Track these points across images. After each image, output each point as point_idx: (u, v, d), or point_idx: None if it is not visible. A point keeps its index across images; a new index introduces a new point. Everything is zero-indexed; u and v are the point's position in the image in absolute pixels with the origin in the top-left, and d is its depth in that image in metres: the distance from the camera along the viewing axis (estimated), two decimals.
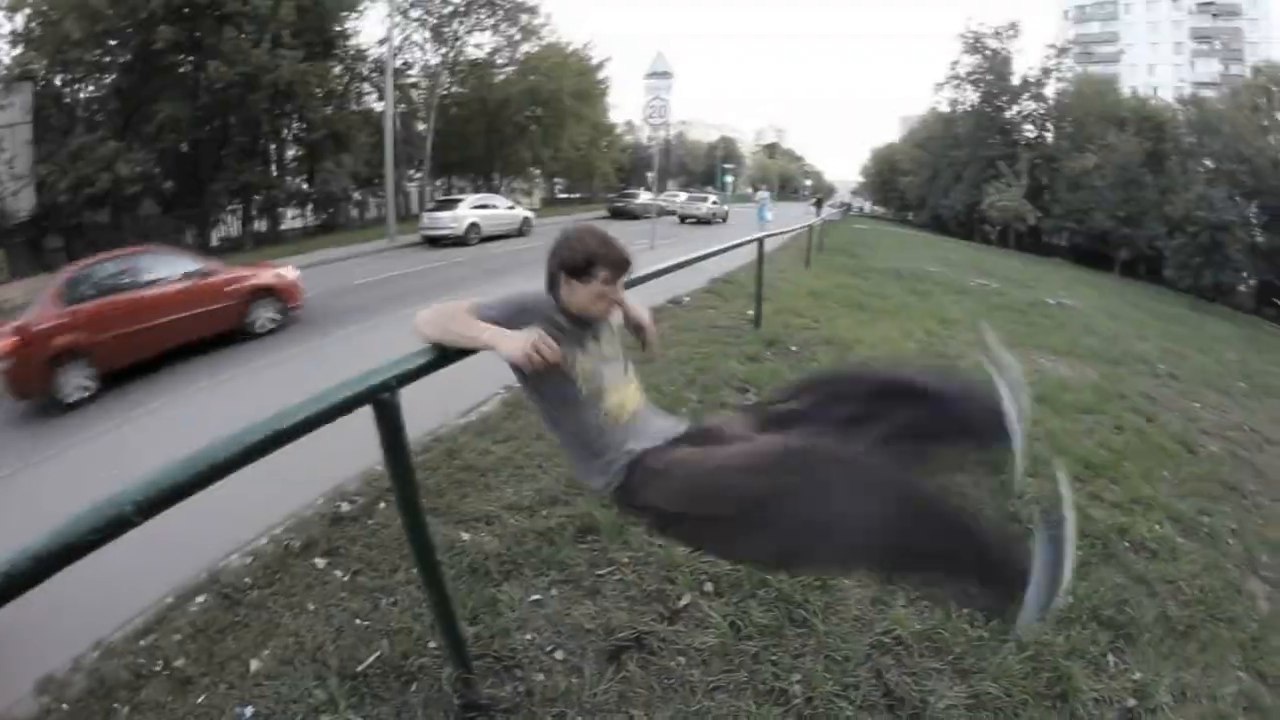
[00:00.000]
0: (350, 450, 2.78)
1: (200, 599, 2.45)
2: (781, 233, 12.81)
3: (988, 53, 35.46)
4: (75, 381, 5.92)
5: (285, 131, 22.47)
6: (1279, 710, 2.23)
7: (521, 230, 18.68)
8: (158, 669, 2.09)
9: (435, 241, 16.41)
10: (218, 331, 7.22)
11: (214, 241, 20.59)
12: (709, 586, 2.33)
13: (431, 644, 2.01)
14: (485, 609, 2.15)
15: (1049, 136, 35.04)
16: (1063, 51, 36.00)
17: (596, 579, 2.38)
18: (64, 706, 2.01)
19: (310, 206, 23.53)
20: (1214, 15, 45.49)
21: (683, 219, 24.62)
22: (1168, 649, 2.39)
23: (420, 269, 12.91)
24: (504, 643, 2.02)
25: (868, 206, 63.86)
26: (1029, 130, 35.92)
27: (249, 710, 1.86)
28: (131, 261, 7.00)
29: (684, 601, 2.25)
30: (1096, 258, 28.67)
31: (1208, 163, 26.95)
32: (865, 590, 2.34)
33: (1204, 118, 28.19)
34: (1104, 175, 29.11)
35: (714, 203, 26.50)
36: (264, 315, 7.74)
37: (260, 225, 22.36)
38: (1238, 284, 26.29)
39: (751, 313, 6.47)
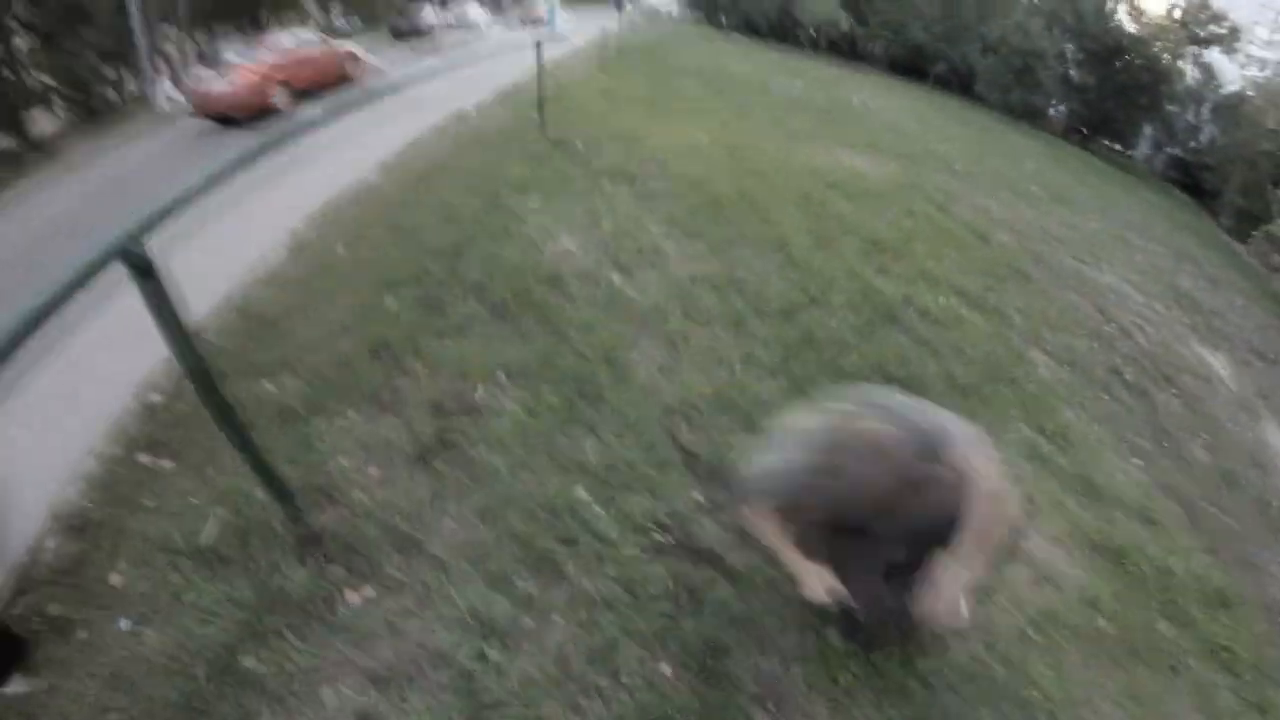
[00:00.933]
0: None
1: (50, 543, 2.30)
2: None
3: None
4: (282, 100, 9.57)
5: (9, 19, 17.68)
6: (1054, 457, 2.62)
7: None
8: (40, 628, 1.95)
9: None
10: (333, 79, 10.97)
11: None
12: (501, 376, 2.42)
13: (259, 494, 2.00)
14: (299, 448, 2.15)
15: None
16: None
17: (394, 393, 2.41)
18: None
19: (62, 102, 19.18)
20: None
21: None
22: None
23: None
24: (322, 473, 2.07)
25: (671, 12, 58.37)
26: None
27: (124, 622, 1.83)
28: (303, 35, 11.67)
29: (478, 395, 2.34)
30: (911, 70, 29.61)
31: None
32: (652, 361, 2.53)
33: None
34: None
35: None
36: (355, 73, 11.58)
37: (5, 142, 18.10)
38: (1047, 108, 28.72)
39: (535, 116, 6.25)
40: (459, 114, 7.24)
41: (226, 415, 1.64)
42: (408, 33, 22.77)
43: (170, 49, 22.01)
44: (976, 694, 1.64)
